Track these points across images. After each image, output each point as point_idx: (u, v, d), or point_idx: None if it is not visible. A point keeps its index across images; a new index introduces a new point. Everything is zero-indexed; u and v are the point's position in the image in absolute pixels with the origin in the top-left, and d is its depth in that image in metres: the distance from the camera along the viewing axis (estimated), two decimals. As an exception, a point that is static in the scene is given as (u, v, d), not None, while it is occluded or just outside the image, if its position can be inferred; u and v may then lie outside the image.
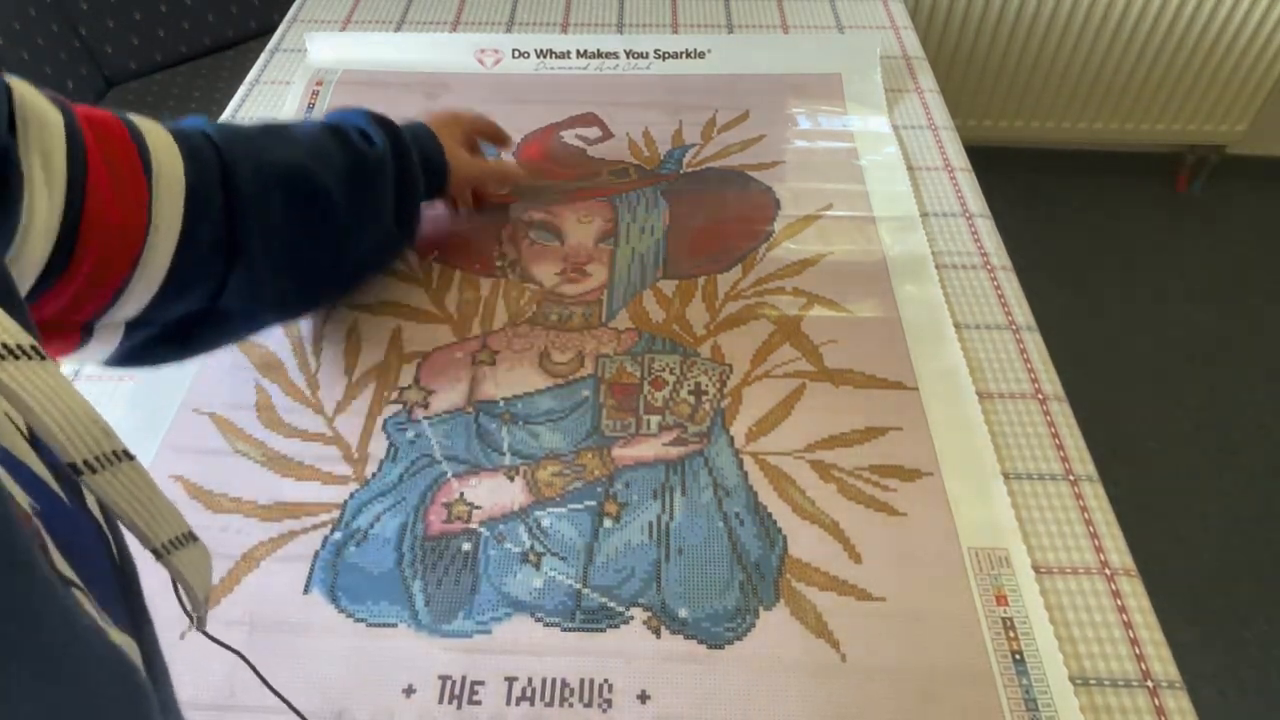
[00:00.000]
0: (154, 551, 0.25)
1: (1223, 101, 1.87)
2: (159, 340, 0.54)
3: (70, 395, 0.23)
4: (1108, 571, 0.54)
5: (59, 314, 0.46)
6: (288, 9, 1.10)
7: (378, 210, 0.64)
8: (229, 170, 0.53)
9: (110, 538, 0.26)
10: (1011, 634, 0.50)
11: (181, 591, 0.27)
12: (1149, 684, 0.49)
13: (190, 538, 0.27)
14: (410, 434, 0.62)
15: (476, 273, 0.74)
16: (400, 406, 0.63)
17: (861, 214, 0.78)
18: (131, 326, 0.51)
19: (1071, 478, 0.59)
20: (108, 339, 0.50)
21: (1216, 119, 1.90)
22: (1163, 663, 0.50)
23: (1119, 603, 0.52)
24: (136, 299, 0.49)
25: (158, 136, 0.50)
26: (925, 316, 0.69)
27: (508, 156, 0.84)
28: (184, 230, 0.49)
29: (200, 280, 0.53)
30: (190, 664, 0.50)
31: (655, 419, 0.62)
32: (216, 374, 0.66)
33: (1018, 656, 0.49)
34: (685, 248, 0.76)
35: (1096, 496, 0.58)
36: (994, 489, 0.57)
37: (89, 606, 0.22)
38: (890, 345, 0.67)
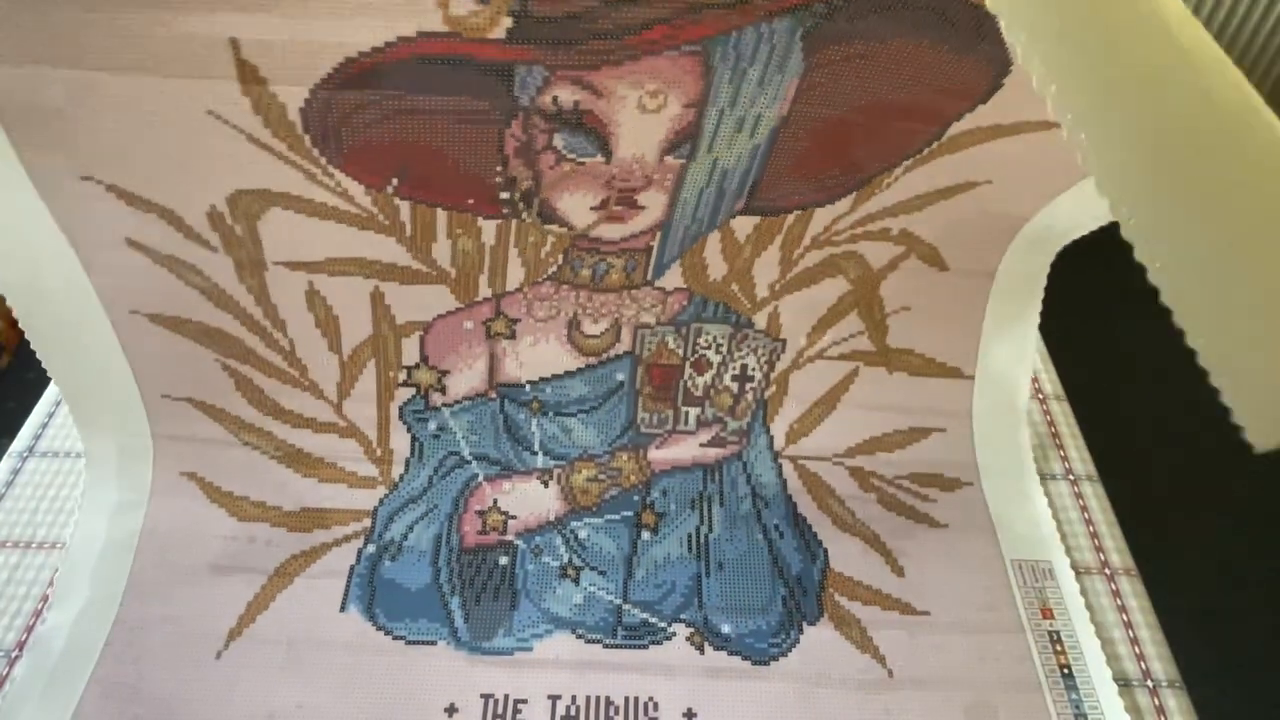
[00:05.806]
0: None
1: (1221, 102, 1.87)
2: None
3: None
4: (1108, 571, 0.54)
5: None
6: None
7: None
8: None
9: None
10: (1059, 648, 0.50)
11: None
12: (1149, 684, 0.49)
13: None
14: (432, 425, 0.57)
15: (470, 210, 0.47)
16: (414, 391, 0.57)
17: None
18: None
19: (1071, 478, 0.59)
20: None
21: (1215, 119, 1.91)
22: (1163, 662, 0.50)
23: (1119, 603, 0.53)
24: None
25: None
26: (1017, 287, 0.56)
27: None
28: None
29: None
30: (226, 683, 0.49)
31: (694, 411, 0.59)
32: (160, 363, 0.52)
33: (1066, 671, 0.49)
34: (797, 155, 0.44)
35: (1097, 496, 0.58)
36: (1035, 499, 0.57)
37: None
38: (964, 317, 0.57)
